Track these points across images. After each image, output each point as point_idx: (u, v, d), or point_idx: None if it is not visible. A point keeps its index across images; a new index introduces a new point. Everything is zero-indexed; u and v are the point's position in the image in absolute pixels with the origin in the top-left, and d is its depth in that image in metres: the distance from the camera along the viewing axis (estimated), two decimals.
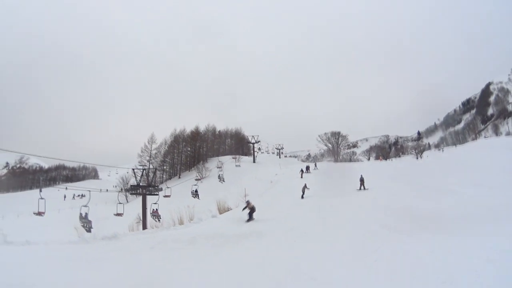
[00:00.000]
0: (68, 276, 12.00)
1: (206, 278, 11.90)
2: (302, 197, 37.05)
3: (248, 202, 27.94)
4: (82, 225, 29.47)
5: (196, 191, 43.93)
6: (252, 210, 27.19)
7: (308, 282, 10.65)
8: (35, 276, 11.74)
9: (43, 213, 31.92)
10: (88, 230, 28.38)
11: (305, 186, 38.74)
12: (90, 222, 28.76)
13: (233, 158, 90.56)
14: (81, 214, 29.20)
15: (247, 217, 26.73)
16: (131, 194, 56.39)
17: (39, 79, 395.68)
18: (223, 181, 60.05)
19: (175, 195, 39.07)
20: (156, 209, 33.47)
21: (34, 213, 33.20)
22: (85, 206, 28.74)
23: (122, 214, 34.15)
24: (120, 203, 32.86)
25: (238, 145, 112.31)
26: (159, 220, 32.73)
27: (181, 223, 28.46)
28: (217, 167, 75.66)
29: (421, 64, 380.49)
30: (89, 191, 30.67)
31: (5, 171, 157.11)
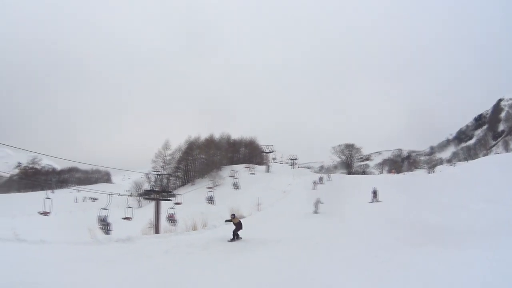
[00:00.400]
0: (80, 276, 12.26)
1: (217, 282, 12.25)
2: (316, 212, 35.00)
3: (233, 216, 23.63)
4: (100, 227, 29.72)
5: (211, 197, 44.11)
6: (238, 226, 22.50)
7: None
8: (47, 274, 11.99)
9: (49, 213, 32.14)
10: (107, 232, 28.63)
11: (318, 201, 36.15)
12: (109, 224, 29.01)
13: (246, 167, 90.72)
14: (100, 216, 29.45)
15: (230, 236, 22.06)
16: (144, 198, 56.56)
17: (53, 85, 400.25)
18: (238, 188, 60.22)
19: (188, 201, 39.36)
20: (173, 214, 33.64)
21: (39, 213, 33.47)
22: (104, 208, 29.01)
23: (131, 218, 34.27)
24: (129, 207, 32.93)
25: (252, 154, 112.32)
26: (175, 225, 32.90)
27: (194, 228, 28.64)
28: (230, 176, 75.83)
29: (434, 79, 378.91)
30: (110, 194, 30.97)
31: (17, 171, 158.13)
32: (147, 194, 37.60)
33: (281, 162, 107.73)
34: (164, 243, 19.58)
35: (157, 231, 32.27)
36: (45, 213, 33.54)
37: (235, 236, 22.32)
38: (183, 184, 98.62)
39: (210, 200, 43.92)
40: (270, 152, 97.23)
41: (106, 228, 29.48)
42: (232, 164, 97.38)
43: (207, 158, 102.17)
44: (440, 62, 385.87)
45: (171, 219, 33.81)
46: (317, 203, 35.82)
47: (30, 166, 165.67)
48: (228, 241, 21.56)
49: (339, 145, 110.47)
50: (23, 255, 15.17)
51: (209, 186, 69.49)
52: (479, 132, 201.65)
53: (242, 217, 35.43)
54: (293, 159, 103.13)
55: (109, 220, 29.27)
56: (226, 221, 25.11)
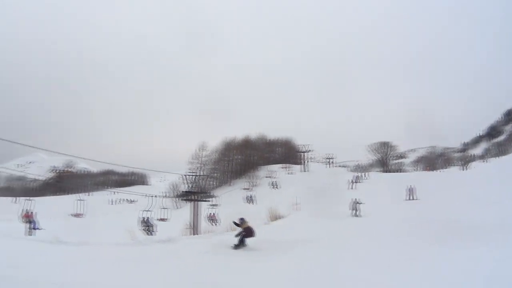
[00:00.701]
0: (121, 277, 12.41)
1: (259, 281, 12.49)
2: (356, 215, 33.24)
3: (242, 220, 21.06)
4: (143, 229, 29.99)
5: (251, 196, 44.24)
6: (248, 233, 20.05)
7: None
8: (87, 275, 12.13)
9: (81, 214, 32.50)
10: (150, 233, 28.86)
11: (355, 202, 34.18)
12: (153, 225, 29.24)
13: (283, 167, 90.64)
14: (143, 218, 29.74)
15: (237, 241, 19.65)
16: (182, 200, 56.82)
17: (86, 88, 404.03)
18: (277, 187, 60.38)
19: (226, 202, 39.55)
20: (213, 214, 33.75)
21: (71, 215, 33.86)
22: (148, 210, 29.27)
23: (167, 219, 34.40)
24: (164, 208, 33.17)
25: (288, 154, 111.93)
26: (216, 224, 32.99)
27: (234, 229, 28.69)
28: (267, 176, 75.98)
29: (461, 73, 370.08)
30: (154, 196, 31.34)
31: (52, 174, 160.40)
32: (185, 196, 37.77)
33: (317, 161, 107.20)
34: (205, 244, 19.70)
35: (195, 232, 32.38)
36: (77, 215, 33.96)
37: (241, 242, 19.58)
38: (220, 185, 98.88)
39: (250, 199, 44.04)
40: (306, 152, 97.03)
41: (149, 230, 29.72)
42: (268, 164, 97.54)
43: (244, 159, 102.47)
44: (469, 54, 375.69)
45: (212, 219, 33.94)
46: (355, 203, 34.24)
47: (65, 169, 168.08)
48: (231, 247, 19.05)
49: (374, 143, 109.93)
50: (66, 256, 15.47)
51: (246, 187, 69.74)
52: (509, 127, 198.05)
53: (280, 217, 35.39)
54: (329, 158, 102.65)
55: (153, 221, 29.61)
56: (235, 224, 21.90)
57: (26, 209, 29.48)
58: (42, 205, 31.00)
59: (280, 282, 12.26)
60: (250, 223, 28.27)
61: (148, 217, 29.90)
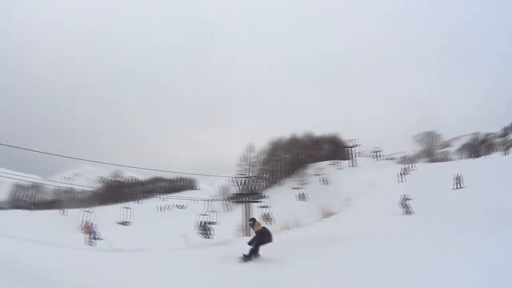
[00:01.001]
0: (181, 282, 12.79)
1: (318, 276, 12.65)
2: (407, 212, 31.11)
3: (253, 222, 17.63)
4: (200, 233, 30.47)
5: (303, 194, 44.44)
6: (263, 237, 16.66)
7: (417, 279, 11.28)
8: (153, 281, 12.68)
9: (128, 222, 33.09)
10: (207, 237, 29.34)
11: (404, 198, 31.92)
12: (210, 229, 29.70)
13: (331, 164, 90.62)
14: (200, 222, 30.22)
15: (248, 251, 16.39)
16: (233, 202, 57.36)
17: (126, 97, 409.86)
18: (327, 184, 60.56)
19: (277, 201, 39.65)
20: (268, 213, 34.05)
21: (118, 223, 34.53)
22: (204, 214, 29.74)
23: (216, 222, 34.79)
24: (213, 211, 33.52)
25: (335, 150, 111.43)
26: (271, 223, 33.27)
27: (287, 227, 28.91)
28: (315, 174, 76.07)
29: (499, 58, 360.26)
30: (209, 200, 31.84)
31: (100, 185, 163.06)
32: (236, 198, 38.16)
33: (365, 155, 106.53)
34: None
35: (247, 233, 32.62)
36: (124, 223, 34.63)
37: (253, 253, 16.22)
38: (270, 185, 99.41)
39: (302, 197, 44.23)
40: (353, 146, 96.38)
41: (206, 233, 30.17)
42: (316, 162, 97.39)
43: (292, 158, 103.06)
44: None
45: (267, 218, 34.20)
46: (404, 200, 32.03)
47: (113, 179, 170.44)
48: (240, 258, 15.97)
49: (420, 134, 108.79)
50: (127, 263, 16.08)
51: (295, 186, 69.94)
52: None
53: (331, 213, 35.43)
54: (376, 152, 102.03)
55: (210, 225, 30.06)
56: (249, 243, 16.78)
57: (86, 220, 30.25)
58: (92, 215, 31.77)
59: (338, 278, 12.16)
60: (303, 220, 28.39)
61: (205, 221, 30.31)
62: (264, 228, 17.45)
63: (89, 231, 31.22)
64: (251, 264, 15.34)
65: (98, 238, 29.86)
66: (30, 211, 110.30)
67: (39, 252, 16.63)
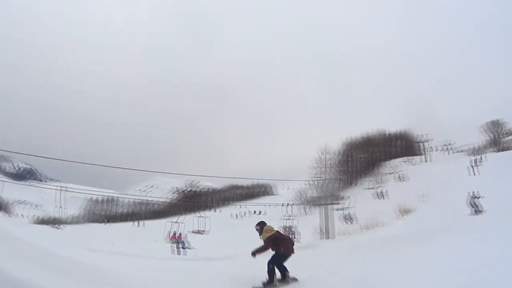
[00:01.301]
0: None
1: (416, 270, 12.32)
2: (477, 212, 27.46)
3: (261, 226, 14.04)
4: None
5: (381, 192, 44.67)
6: (279, 248, 13.15)
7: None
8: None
9: (203, 231, 33.92)
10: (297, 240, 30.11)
11: (473, 196, 28.24)
12: (294, 233, 30.44)
13: (404, 161, 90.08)
14: (285, 226, 30.94)
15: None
16: (311, 205, 57.77)
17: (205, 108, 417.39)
18: (403, 180, 60.48)
19: (354, 201, 39.75)
20: (348, 213, 34.56)
21: (193, 232, 35.40)
22: (288, 219, 30.51)
23: (293, 226, 35.26)
24: (290, 216, 33.99)
25: (408, 146, 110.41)
26: (351, 223, 33.77)
27: (367, 228, 29.37)
28: (390, 173, 75.88)
29: None
30: (286, 205, 32.54)
31: (175, 195, 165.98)
32: (314, 201, 38.63)
33: (436, 149, 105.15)
34: (344, 245, 20.43)
35: (328, 235, 33.06)
36: (199, 232, 35.54)
37: (273, 274, 12.83)
38: (346, 186, 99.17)
39: (379, 195, 44.46)
40: (425, 141, 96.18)
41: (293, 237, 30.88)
42: (390, 159, 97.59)
43: (366, 157, 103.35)
44: None
45: (347, 218, 34.67)
46: (472, 198, 28.20)
47: (188, 189, 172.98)
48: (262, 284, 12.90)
49: (485, 123, 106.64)
50: (214, 270, 16.80)
51: (370, 186, 70.02)
52: None
53: (408, 210, 35.53)
54: (447, 145, 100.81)
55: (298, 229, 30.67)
56: (254, 252, 13.22)
57: (174, 231, 31.30)
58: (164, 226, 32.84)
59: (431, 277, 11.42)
60: (382, 218, 28.07)
61: (290, 225, 30.89)
62: (277, 233, 13.90)
63: (177, 241, 32.24)
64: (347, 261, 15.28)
65: (187, 248, 30.85)
66: (104, 224, 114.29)
67: (129, 264, 17.89)
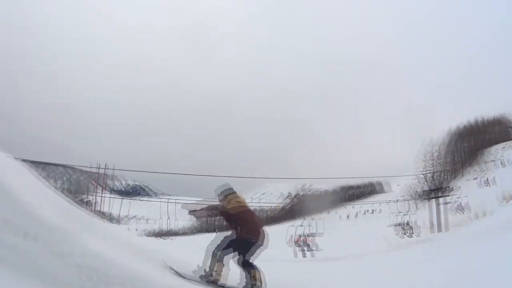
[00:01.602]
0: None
1: None
2: None
3: (224, 193, 10.11)
4: (402, 233, 32.78)
5: (487, 179, 45.19)
6: (241, 234, 9.26)
7: None
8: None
9: (315, 233, 35.40)
10: (410, 236, 31.84)
11: None
12: (412, 228, 32.04)
13: (502, 148, 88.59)
14: (408, 223, 32.55)
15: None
16: (423, 200, 58.25)
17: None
18: (505, 166, 60.19)
19: (462, 192, 39.89)
20: (460, 203, 35.59)
21: (308, 235, 36.89)
22: (406, 214, 32.16)
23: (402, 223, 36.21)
24: (400, 212, 34.98)
25: (506, 131, 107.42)
26: (463, 213, 34.88)
27: (477, 217, 30.41)
28: (491, 160, 75.07)
29: None
30: (395, 201, 33.94)
31: (287, 200, 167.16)
32: (425, 195, 39.47)
33: None
34: (459, 237, 21.12)
35: (440, 228, 34.13)
36: (311, 234, 37.16)
37: (248, 266, 9.17)
38: (453, 176, 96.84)
39: (485, 183, 44.90)
40: None
41: (409, 232, 32.34)
42: (490, 146, 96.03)
43: (469, 146, 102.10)
44: None
45: (459, 208, 35.66)
46: None
47: (300, 193, 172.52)
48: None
49: None
50: (346, 269, 17.43)
51: (475, 175, 69.68)
52: None
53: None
54: None
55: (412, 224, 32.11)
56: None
57: (299, 234, 32.94)
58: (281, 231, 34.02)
59: None
60: (489, 207, 28.39)
61: (408, 221, 31.83)
62: (244, 209, 9.90)
63: (302, 243, 34.01)
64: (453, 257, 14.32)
65: (312, 250, 32.53)
66: (215, 233, 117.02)
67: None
